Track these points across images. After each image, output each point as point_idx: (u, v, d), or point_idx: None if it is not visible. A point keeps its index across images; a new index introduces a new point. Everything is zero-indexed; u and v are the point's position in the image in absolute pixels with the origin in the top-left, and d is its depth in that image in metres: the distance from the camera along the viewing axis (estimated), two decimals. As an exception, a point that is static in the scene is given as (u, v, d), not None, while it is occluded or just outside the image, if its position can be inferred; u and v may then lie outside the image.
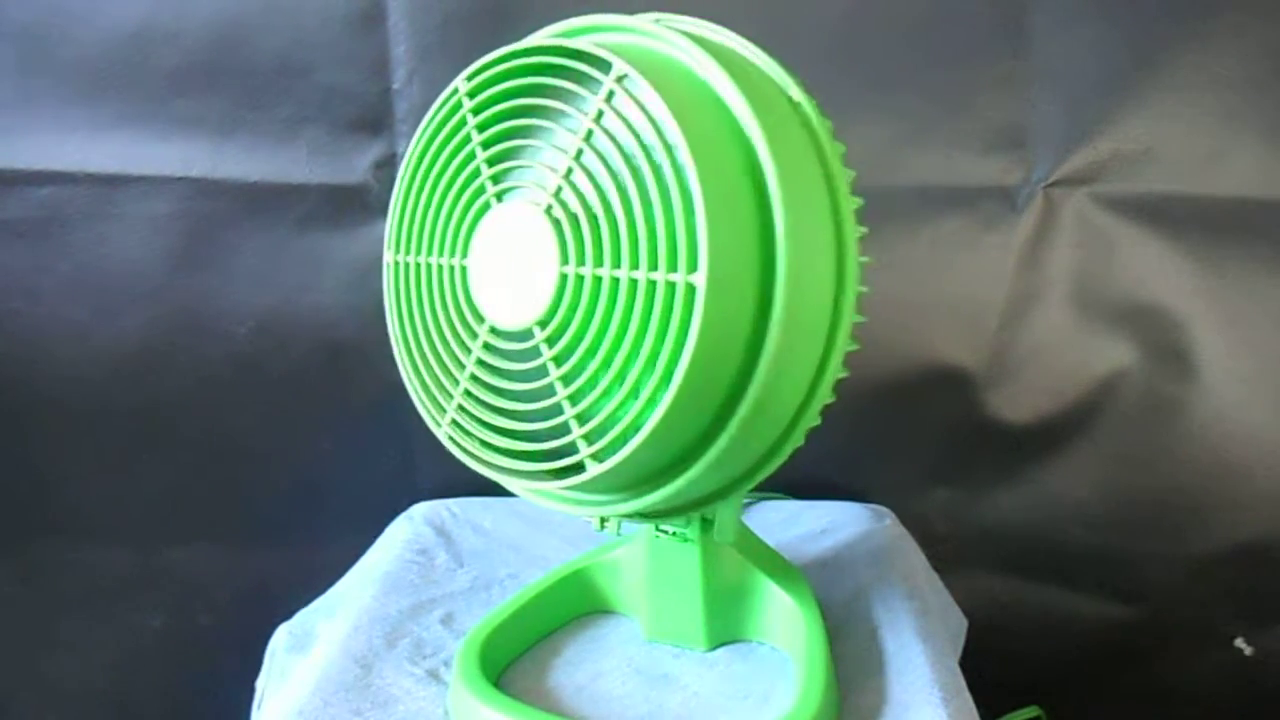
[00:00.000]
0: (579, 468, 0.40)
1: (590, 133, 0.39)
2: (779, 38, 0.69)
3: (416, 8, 0.69)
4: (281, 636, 0.66)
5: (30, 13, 0.69)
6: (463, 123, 0.43)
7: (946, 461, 0.80)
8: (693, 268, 0.36)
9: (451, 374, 0.45)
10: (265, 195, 0.72)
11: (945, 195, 0.73)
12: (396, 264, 0.47)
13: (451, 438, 0.45)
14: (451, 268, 0.44)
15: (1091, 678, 0.86)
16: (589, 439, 0.39)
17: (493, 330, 0.43)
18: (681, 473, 0.41)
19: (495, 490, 0.51)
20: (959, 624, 0.72)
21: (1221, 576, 0.80)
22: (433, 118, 0.44)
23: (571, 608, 0.59)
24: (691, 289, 0.36)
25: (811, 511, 0.74)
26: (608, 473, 0.39)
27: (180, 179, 0.72)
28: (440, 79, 0.44)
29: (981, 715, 0.53)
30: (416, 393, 0.47)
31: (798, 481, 0.78)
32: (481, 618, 0.56)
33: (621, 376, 0.38)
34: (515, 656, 0.55)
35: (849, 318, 0.42)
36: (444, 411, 0.45)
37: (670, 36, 0.42)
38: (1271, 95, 0.70)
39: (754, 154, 0.39)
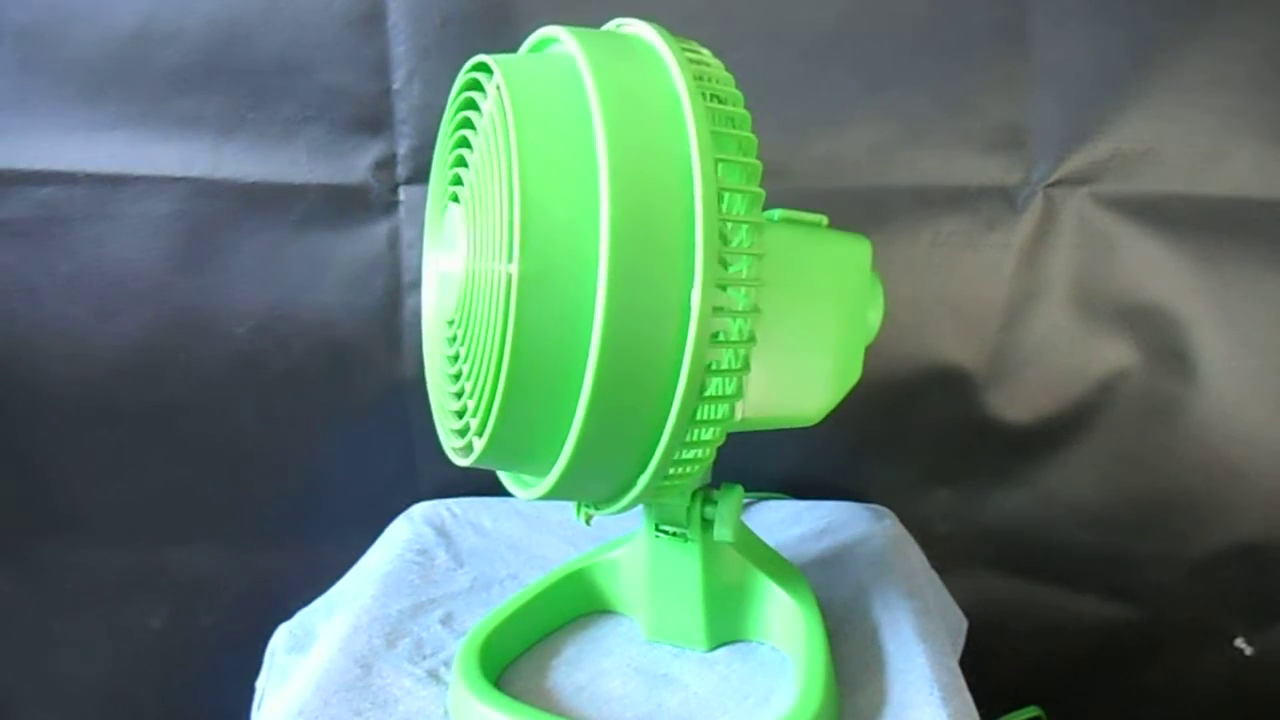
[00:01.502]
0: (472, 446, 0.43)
1: (483, 139, 0.41)
2: (779, 38, 0.69)
3: (416, 7, 0.69)
4: (281, 636, 0.66)
5: (30, 12, 0.68)
6: (447, 131, 0.46)
7: (946, 461, 0.80)
8: (510, 259, 0.38)
9: (435, 364, 0.48)
10: (265, 195, 0.72)
11: (945, 195, 0.73)
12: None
13: (438, 422, 0.48)
14: (433, 265, 0.48)
15: (1091, 678, 0.86)
16: (474, 416, 0.42)
17: (446, 323, 0.46)
18: (558, 455, 0.42)
19: (495, 490, 0.51)
20: (959, 624, 0.72)
21: (1221, 576, 0.80)
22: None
23: (571, 608, 0.59)
24: (509, 278, 0.38)
25: (811, 511, 0.74)
26: (486, 450, 0.42)
27: (180, 179, 0.72)
28: (440, 78, 0.45)
29: (981, 715, 0.53)
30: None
31: (798, 481, 0.78)
32: (481, 618, 0.56)
33: (484, 360, 0.41)
34: (515, 656, 0.55)
35: (706, 315, 0.40)
36: (439, 402, 0.48)
37: (570, 42, 0.42)
38: (1271, 95, 0.70)
39: (595, 149, 0.40)
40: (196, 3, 0.68)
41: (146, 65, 0.69)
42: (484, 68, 0.43)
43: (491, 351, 0.40)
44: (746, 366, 0.42)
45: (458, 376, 0.44)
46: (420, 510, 0.74)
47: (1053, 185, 0.72)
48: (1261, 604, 0.82)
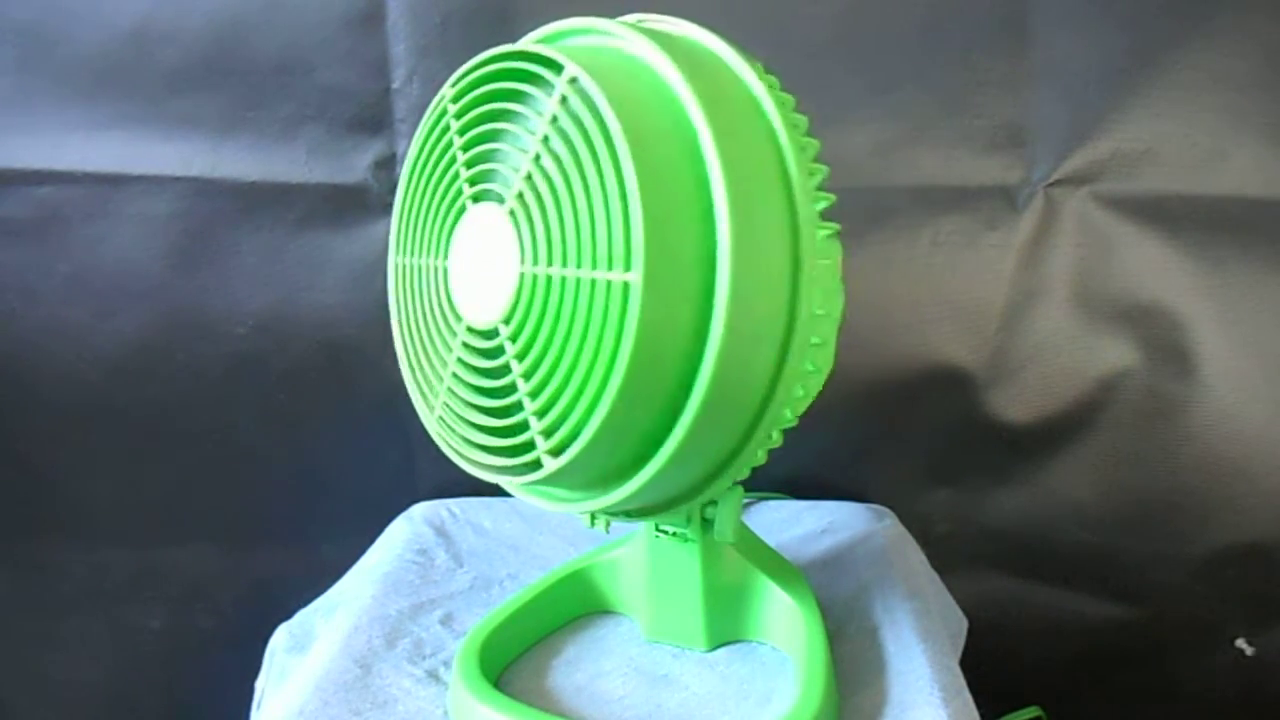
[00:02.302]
0: (539, 463, 0.41)
1: (546, 135, 0.39)
2: (779, 38, 0.69)
3: (416, 7, 0.69)
4: (281, 636, 0.66)
5: (29, 12, 0.68)
6: (447, 127, 0.44)
7: (946, 461, 0.80)
8: (628, 266, 0.37)
9: (438, 372, 0.46)
10: (264, 195, 0.72)
11: (945, 195, 0.73)
12: (396, 265, 0.48)
13: (439, 433, 0.46)
14: (435, 268, 0.45)
15: (1091, 678, 0.86)
16: (545, 435, 0.40)
17: (469, 329, 0.44)
18: (639, 469, 0.41)
19: (495, 490, 0.51)
20: (959, 624, 0.71)
21: (1222, 576, 0.80)
22: (425, 122, 0.45)
23: (571, 608, 0.59)
24: (627, 287, 0.37)
25: (811, 511, 0.74)
26: (563, 469, 0.40)
27: (179, 179, 0.72)
28: (440, 78, 0.45)
29: (981, 715, 0.53)
30: (412, 391, 0.48)
31: (798, 481, 0.78)
32: (481, 618, 0.56)
33: (570, 374, 0.39)
34: (515, 656, 0.55)
35: (807, 321, 0.41)
36: (433, 409, 0.47)
37: (635, 38, 0.41)
38: (1272, 94, 0.70)
39: (702, 154, 0.39)
40: (196, 2, 0.68)
41: (146, 64, 0.69)
42: (536, 58, 0.40)
43: (594, 364, 0.38)
44: (820, 370, 0.42)
45: (509, 390, 0.42)
46: (420, 510, 0.73)
47: (1053, 185, 0.72)
48: (1262, 604, 0.81)
